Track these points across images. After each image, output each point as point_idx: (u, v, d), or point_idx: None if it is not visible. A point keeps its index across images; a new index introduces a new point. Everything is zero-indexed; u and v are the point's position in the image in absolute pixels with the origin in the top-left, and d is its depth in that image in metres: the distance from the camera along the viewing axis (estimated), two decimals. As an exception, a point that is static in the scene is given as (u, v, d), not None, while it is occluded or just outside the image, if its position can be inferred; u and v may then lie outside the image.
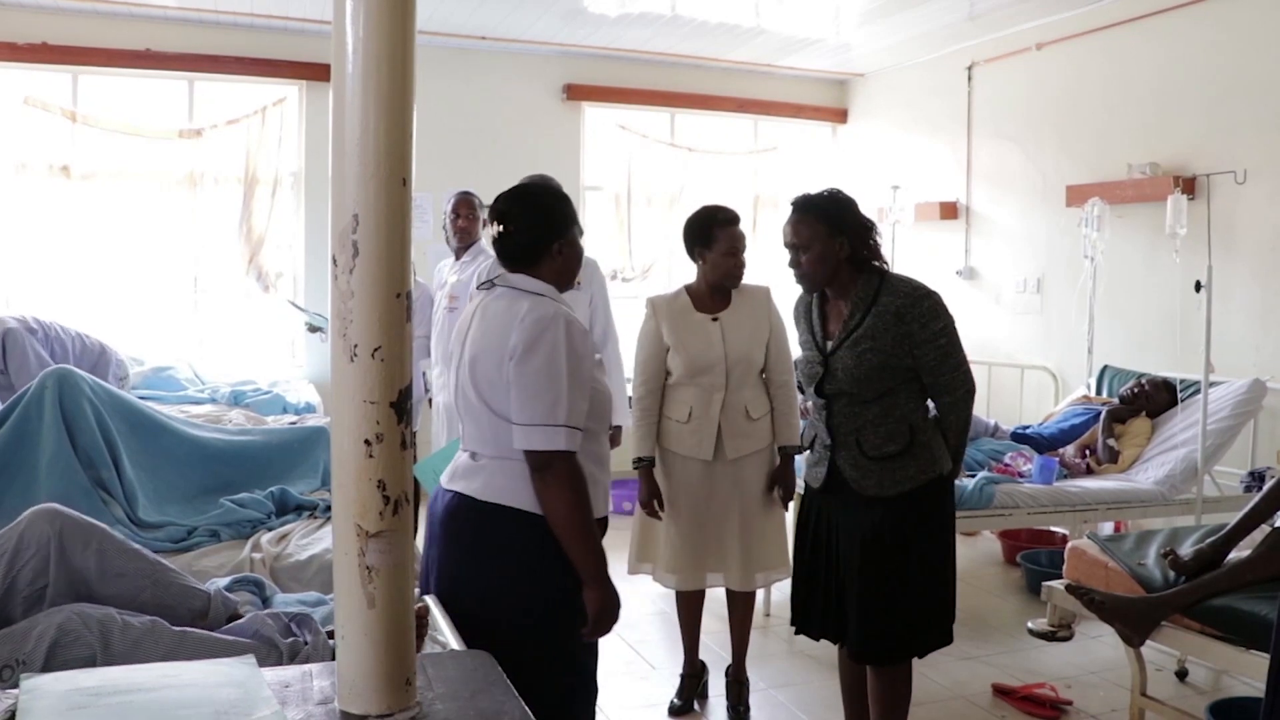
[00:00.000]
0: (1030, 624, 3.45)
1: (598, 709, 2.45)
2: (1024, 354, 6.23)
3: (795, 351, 3.09)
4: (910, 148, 7.25)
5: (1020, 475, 4.70)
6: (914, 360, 2.71)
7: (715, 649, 4.01)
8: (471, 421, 2.27)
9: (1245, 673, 2.96)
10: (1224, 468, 4.83)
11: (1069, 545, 3.43)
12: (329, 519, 3.35)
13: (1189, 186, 5.13)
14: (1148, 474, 4.72)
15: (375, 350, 1.55)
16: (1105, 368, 5.55)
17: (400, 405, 1.57)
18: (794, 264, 2.81)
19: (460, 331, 2.35)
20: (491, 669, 1.84)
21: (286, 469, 3.96)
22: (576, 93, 7.18)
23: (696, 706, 3.70)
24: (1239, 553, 2.97)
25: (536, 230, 2.29)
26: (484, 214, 4.86)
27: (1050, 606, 3.36)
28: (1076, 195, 5.70)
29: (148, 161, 6.30)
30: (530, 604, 2.19)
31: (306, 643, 2.24)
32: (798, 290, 2.94)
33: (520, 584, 2.20)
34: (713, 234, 3.43)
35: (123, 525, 3.30)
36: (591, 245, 3.84)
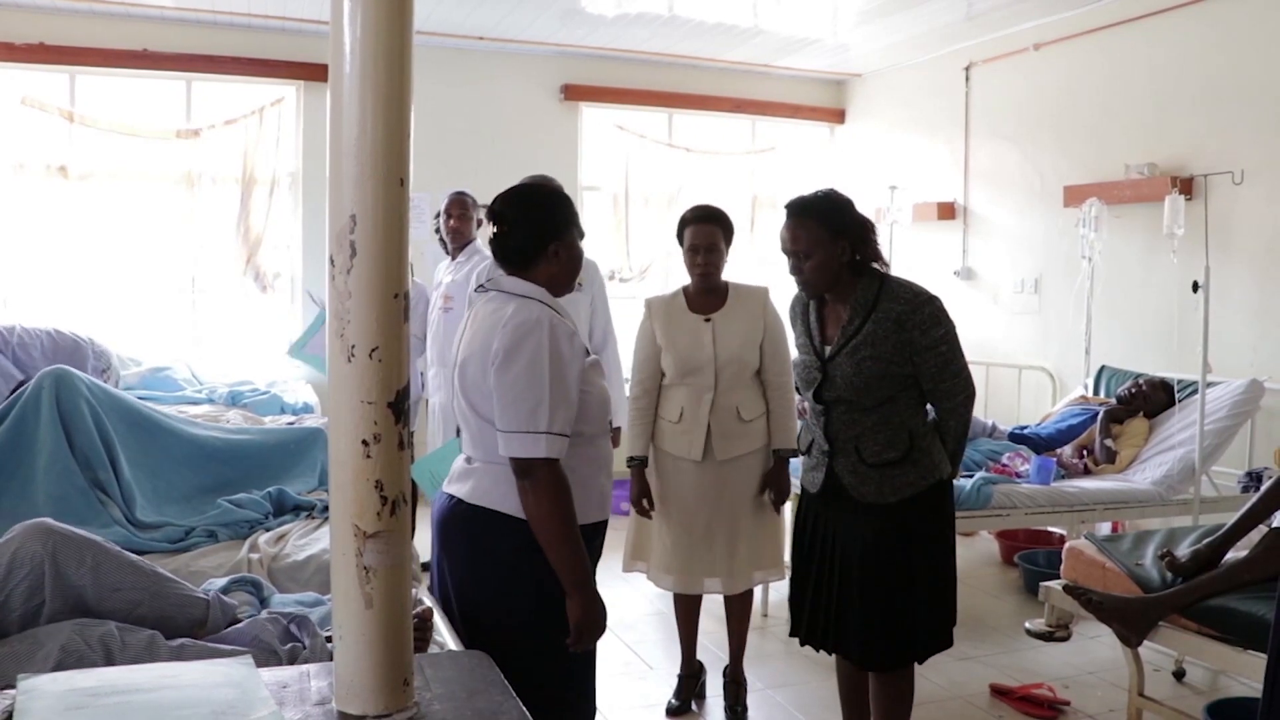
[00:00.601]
0: (1028, 624, 3.46)
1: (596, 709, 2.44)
2: (1022, 354, 6.23)
3: (794, 352, 3.05)
4: (908, 148, 7.26)
5: (1018, 475, 4.70)
6: (914, 367, 2.67)
7: (713, 649, 4.01)
8: (465, 426, 2.28)
9: (1243, 673, 2.96)
10: (1221, 468, 4.83)
11: (1066, 545, 3.43)
12: (327, 519, 3.35)
13: (1186, 187, 5.13)
14: (1145, 474, 4.73)
15: (373, 350, 1.55)
16: (1103, 368, 5.55)
17: (398, 406, 1.57)
18: (795, 270, 2.74)
19: (457, 336, 2.34)
20: (489, 669, 1.84)
21: (284, 469, 3.96)
22: (574, 93, 7.18)
23: (694, 707, 3.70)
24: (1236, 553, 2.97)
25: (531, 232, 2.25)
26: (479, 214, 4.86)
27: (1048, 607, 3.36)
28: (1074, 195, 5.70)
29: (145, 162, 6.29)
30: (518, 610, 2.19)
31: (305, 647, 2.24)
32: (795, 290, 2.92)
33: (508, 589, 2.19)
34: (682, 232, 3.48)
35: (120, 526, 3.30)
36: (589, 246, 3.81)
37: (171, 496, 3.65)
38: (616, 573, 3.74)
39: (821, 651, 2.91)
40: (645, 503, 3.51)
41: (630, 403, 3.56)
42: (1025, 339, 6.27)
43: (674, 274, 7.04)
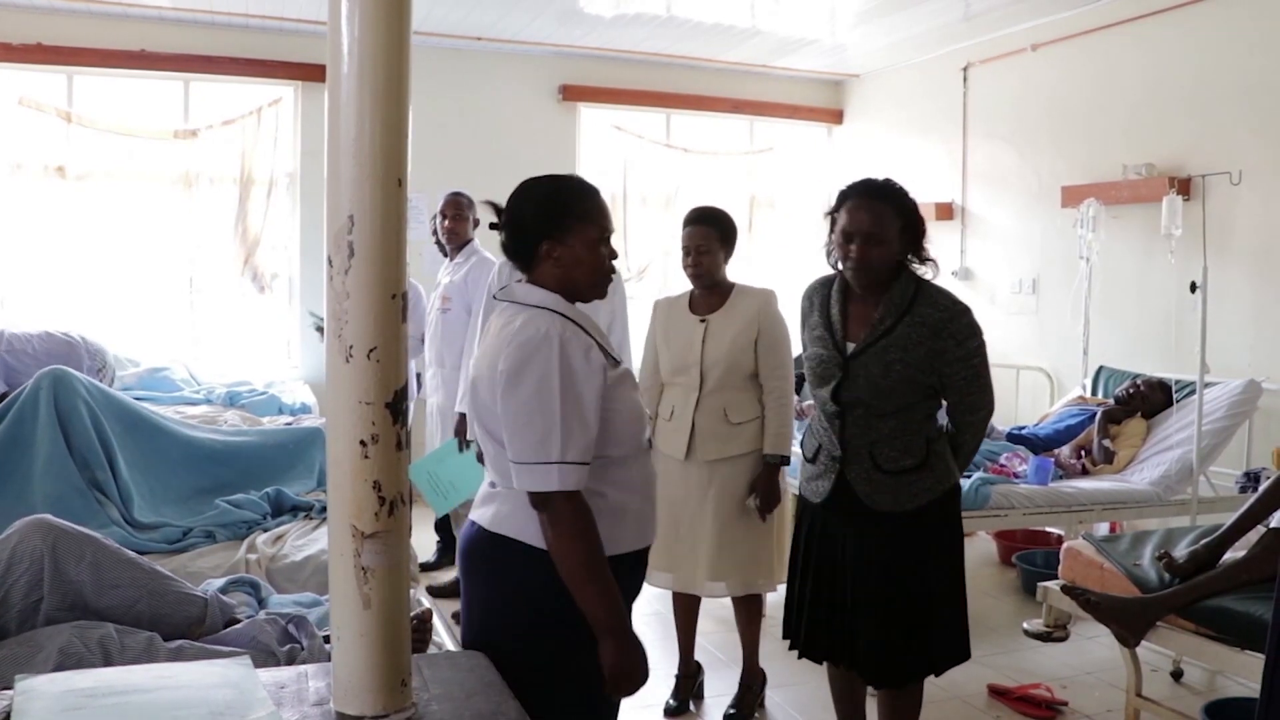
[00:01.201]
0: (1026, 624, 3.46)
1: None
2: (1019, 355, 6.23)
3: (799, 347, 2.92)
4: (906, 148, 7.26)
5: (1016, 476, 4.70)
6: (940, 378, 2.58)
7: (711, 650, 4.01)
8: (483, 448, 2.08)
9: (1240, 673, 2.96)
10: (1219, 468, 4.84)
11: (1064, 546, 3.43)
12: (325, 520, 3.35)
13: (1184, 187, 5.14)
14: (1143, 475, 4.73)
15: (371, 351, 1.55)
16: (1101, 368, 5.56)
17: (396, 406, 1.57)
18: (859, 255, 2.54)
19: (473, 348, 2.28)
20: (487, 670, 1.84)
21: (282, 470, 3.96)
22: (572, 93, 7.17)
23: (692, 707, 3.70)
24: (1234, 553, 2.97)
25: (518, 228, 2.04)
26: (474, 214, 4.84)
27: (1046, 607, 3.36)
28: (1072, 196, 5.70)
29: (143, 162, 6.28)
30: (542, 650, 1.96)
31: (303, 648, 2.23)
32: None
33: (533, 626, 1.97)
34: (681, 233, 3.52)
35: (118, 526, 3.30)
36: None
37: (169, 497, 3.64)
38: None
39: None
40: None
41: None
42: (1023, 339, 6.27)
43: (672, 275, 7.05)
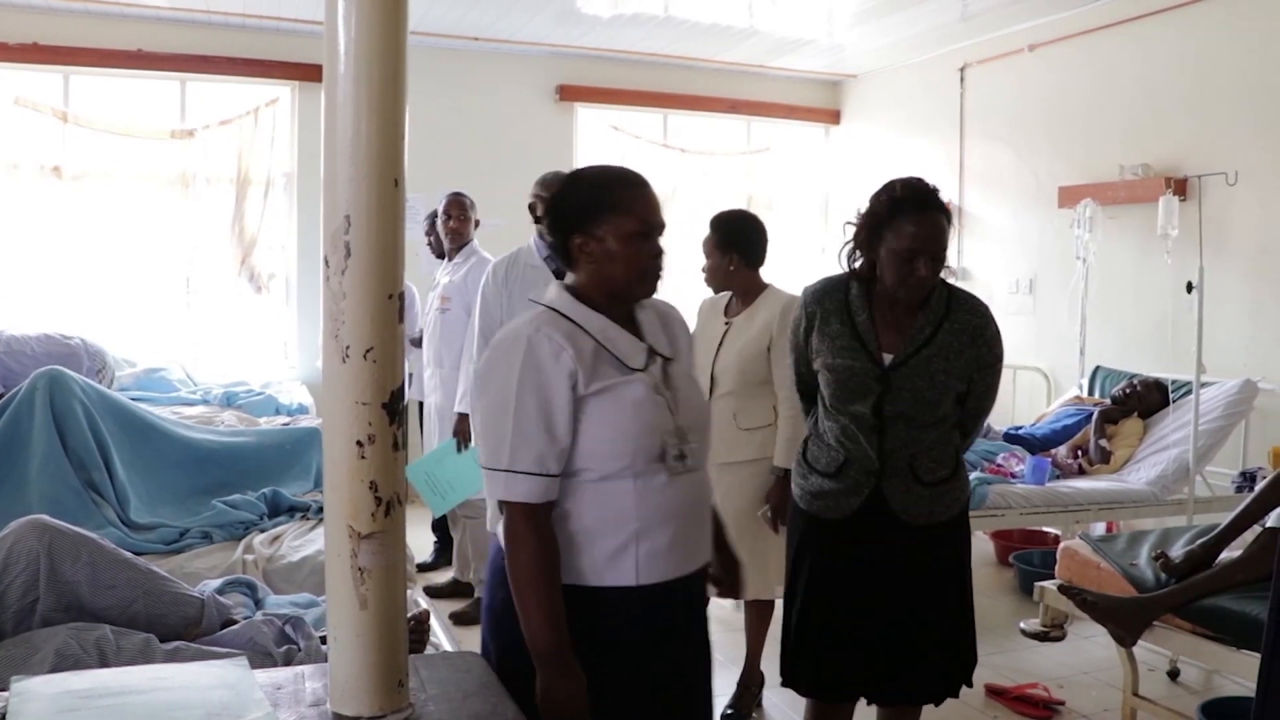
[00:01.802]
0: (1023, 624, 3.46)
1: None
2: (1016, 355, 6.21)
3: (820, 357, 2.59)
4: (903, 149, 7.26)
5: (1013, 476, 4.70)
6: (969, 384, 2.48)
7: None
8: None
9: (1237, 672, 2.96)
10: (1215, 468, 4.84)
11: (1061, 546, 3.43)
12: (321, 520, 3.34)
13: (1180, 188, 5.14)
14: (1140, 474, 4.73)
15: (367, 351, 1.55)
16: (1097, 368, 5.56)
17: (392, 406, 1.57)
18: (929, 274, 2.38)
19: None
20: (484, 671, 1.84)
21: (279, 470, 3.95)
22: (569, 94, 7.17)
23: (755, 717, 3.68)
24: (1230, 552, 2.97)
25: (553, 222, 1.92)
26: (476, 214, 4.85)
27: (1043, 607, 3.36)
28: (1069, 196, 5.71)
29: (139, 162, 6.27)
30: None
31: (300, 649, 2.23)
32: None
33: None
34: None
35: (114, 527, 3.29)
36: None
37: (166, 498, 3.64)
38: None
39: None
40: None
41: None
42: (1020, 339, 6.27)
43: (676, 275, 7.05)
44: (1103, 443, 4.96)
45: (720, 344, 3.45)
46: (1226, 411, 4.68)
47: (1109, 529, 4.97)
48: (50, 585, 2.20)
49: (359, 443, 1.55)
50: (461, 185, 4.96)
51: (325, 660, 1.67)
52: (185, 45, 6.20)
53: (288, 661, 2.18)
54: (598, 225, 1.86)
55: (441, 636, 2.58)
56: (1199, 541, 3.05)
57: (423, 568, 5.02)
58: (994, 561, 5.52)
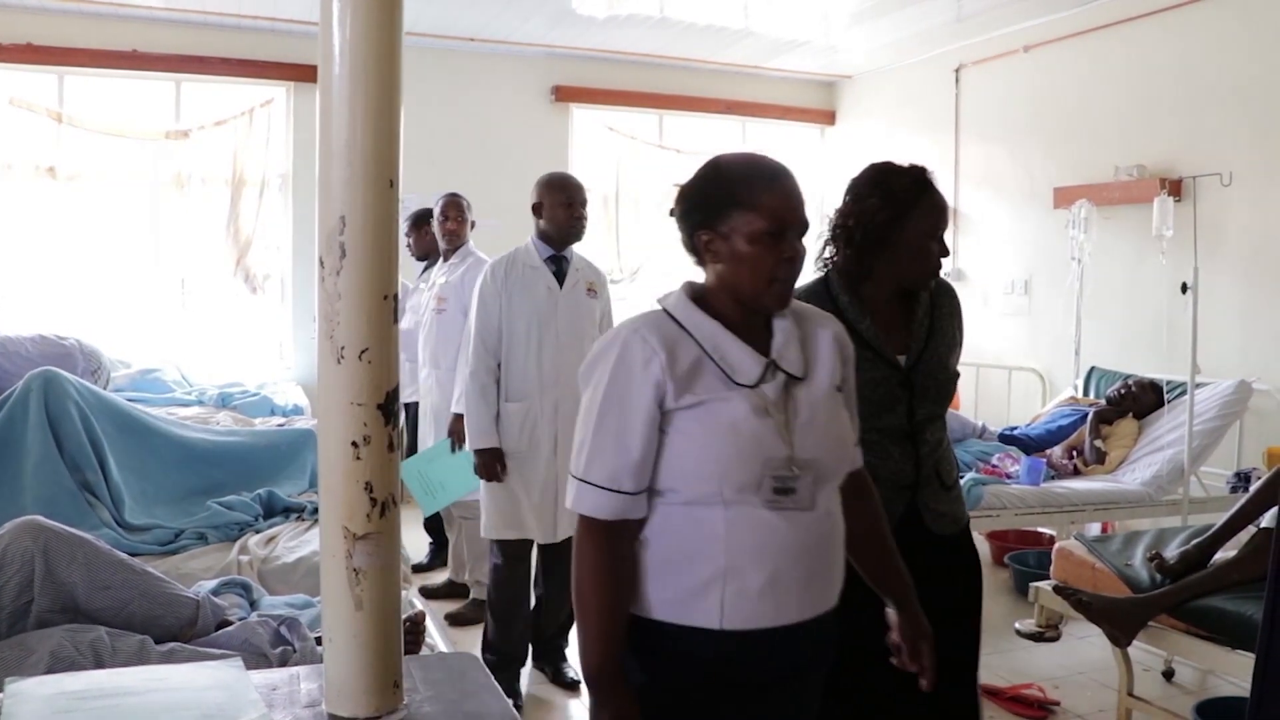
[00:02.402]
0: (1018, 625, 3.46)
1: (587, 711, 2.36)
2: (1011, 355, 6.25)
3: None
4: (898, 149, 7.20)
5: (1008, 476, 4.71)
6: None
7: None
8: None
9: (1231, 672, 2.97)
10: (1210, 468, 4.85)
11: (1056, 546, 3.44)
12: (317, 521, 3.34)
13: (1175, 189, 5.15)
14: (1134, 475, 4.74)
15: (363, 352, 1.55)
16: (1092, 369, 5.57)
17: (387, 407, 1.57)
18: (943, 254, 2.27)
19: None
20: (479, 671, 1.84)
21: (274, 471, 3.95)
22: (565, 94, 7.17)
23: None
24: (1225, 553, 2.98)
25: (681, 214, 1.78)
26: (473, 215, 4.84)
27: (1038, 607, 3.37)
28: (1064, 197, 5.72)
29: (134, 163, 6.27)
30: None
31: (295, 650, 2.23)
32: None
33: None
34: None
35: (109, 528, 3.29)
36: (579, 246, 3.80)
37: (161, 498, 3.64)
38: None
39: None
40: None
41: None
42: (1015, 340, 6.28)
43: (668, 276, 7.07)
44: (1098, 443, 4.97)
45: None
46: (1221, 412, 4.69)
47: (1104, 529, 4.97)
48: (45, 586, 2.20)
49: (354, 443, 1.55)
50: (457, 186, 4.96)
51: (320, 661, 1.67)
52: (180, 46, 6.20)
53: (283, 662, 2.18)
54: (725, 221, 1.67)
55: (437, 638, 2.59)
56: (1194, 542, 3.06)
57: (418, 569, 5.02)
58: (989, 562, 5.52)
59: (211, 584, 2.67)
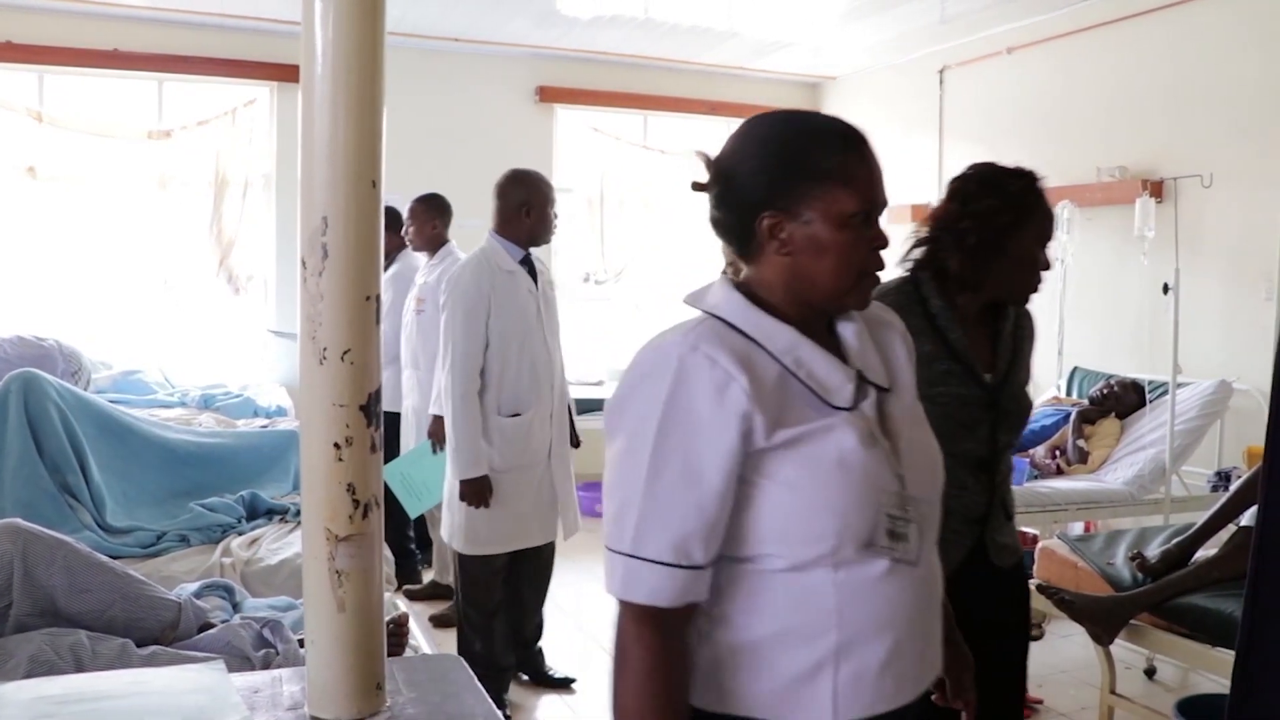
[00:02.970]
0: (1001, 624, 3.47)
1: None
2: (995, 355, 6.27)
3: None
4: (882, 150, 7.18)
5: (991, 476, 4.72)
6: None
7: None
8: None
9: (1212, 670, 2.99)
10: (1191, 468, 4.88)
11: (1039, 545, 3.46)
12: (300, 523, 3.33)
13: (1156, 190, 5.18)
14: (1117, 474, 4.76)
15: (345, 353, 1.54)
16: (1075, 369, 5.60)
17: (370, 408, 1.57)
18: (1046, 267, 2.10)
19: None
20: (462, 673, 1.83)
21: (257, 473, 3.93)
22: (549, 95, 7.16)
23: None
24: (1205, 551, 3.00)
25: (728, 191, 1.37)
26: (441, 216, 4.77)
27: (1021, 606, 3.37)
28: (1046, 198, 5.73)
29: (116, 162, 6.22)
30: None
31: (278, 652, 2.22)
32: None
33: None
34: None
35: (90, 531, 3.27)
36: (563, 248, 3.77)
37: (143, 500, 3.62)
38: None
39: None
40: None
41: None
42: (998, 340, 6.31)
43: (652, 277, 7.09)
44: (1080, 443, 4.99)
45: None
46: (1202, 412, 4.72)
47: (1086, 529, 5.00)
48: (25, 590, 2.18)
49: (336, 445, 1.54)
50: (440, 187, 4.94)
51: (303, 664, 1.67)
52: (162, 45, 6.16)
53: (266, 665, 2.17)
54: (800, 200, 1.29)
55: (420, 639, 2.58)
56: (1175, 541, 3.08)
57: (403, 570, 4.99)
58: (973, 561, 5.55)
59: (194, 586, 2.65)
